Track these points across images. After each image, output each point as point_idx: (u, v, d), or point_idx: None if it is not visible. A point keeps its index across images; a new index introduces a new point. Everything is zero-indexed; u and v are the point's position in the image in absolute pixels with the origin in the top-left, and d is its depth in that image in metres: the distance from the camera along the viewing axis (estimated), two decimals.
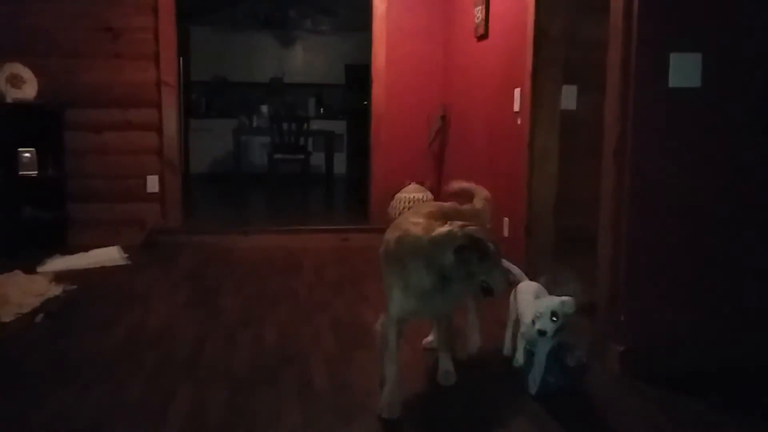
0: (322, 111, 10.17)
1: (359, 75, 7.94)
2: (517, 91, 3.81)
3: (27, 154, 4.65)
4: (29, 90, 4.74)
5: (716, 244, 2.65)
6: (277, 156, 8.04)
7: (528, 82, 3.63)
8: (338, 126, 9.66)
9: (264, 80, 10.23)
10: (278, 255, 4.87)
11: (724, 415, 2.34)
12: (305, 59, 10.39)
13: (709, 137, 2.62)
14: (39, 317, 3.21)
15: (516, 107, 3.82)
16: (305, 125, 8.19)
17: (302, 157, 8.17)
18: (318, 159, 9.01)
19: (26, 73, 4.74)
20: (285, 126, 8.00)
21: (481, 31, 4.43)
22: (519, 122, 3.78)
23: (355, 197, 7.01)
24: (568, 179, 3.64)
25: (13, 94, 4.63)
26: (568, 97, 3.62)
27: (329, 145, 9.04)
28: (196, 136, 9.27)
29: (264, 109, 9.54)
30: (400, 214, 5.19)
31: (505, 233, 3.99)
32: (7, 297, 3.32)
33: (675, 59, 2.55)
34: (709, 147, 2.62)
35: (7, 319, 3.17)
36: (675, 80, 2.57)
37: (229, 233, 5.23)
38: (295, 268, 4.47)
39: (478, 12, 4.47)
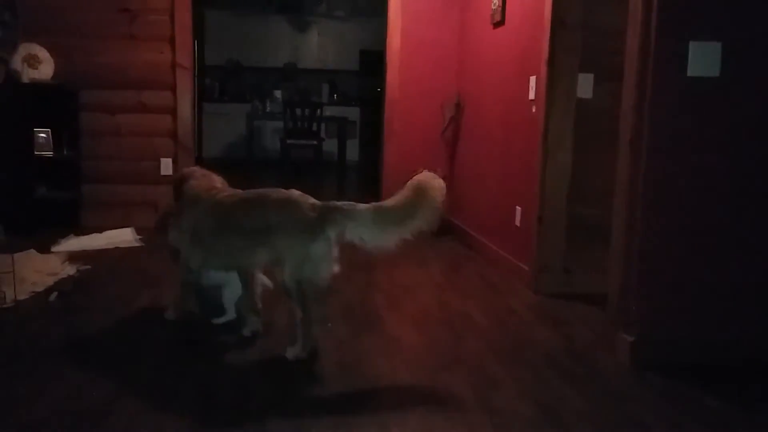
0: (335, 97, 10.15)
1: (374, 61, 7.91)
2: (532, 79, 3.78)
3: (43, 135, 4.68)
4: (46, 70, 4.77)
5: (731, 235, 2.63)
6: (290, 141, 8.04)
7: (544, 70, 3.60)
8: (351, 112, 9.65)
9: (278, 65, 10.23)
10: None
11: (734, 407, 2.33)
12: (319, 44, 10.37)
13: (726, 127, 2.59)
14: (53, 296, 3.25)
15: (531, 95, 3.80)
16: (318, 111, 8.18)
17: (315, 143, 8.16)
18: (331, 145, 9.01)
19: (43, 53, 4.76)
20: (298, 111, 8.00)
21: (497, 17, 4.39)
22: (534, 110, 3.75)
23: (368, 184, 7.00)
24: (582, 168, 3.62)
25: (29, 74, 4.65)
26: (585, 86, 3.59)
27: (342, 132, 9.02)
28: (210, 120, 9.29)
29: (277, 94, 9.54)
30: None
31: (517, 222, 3.98)
32: (22, 276, 3.35)
33: (694, 48, 2.52)
34: (727, 137, 2.59)
35: (21, 297, 3.21)
36: (694, 69, 2.54)
37: None
38: None
39: None
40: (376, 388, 2.41)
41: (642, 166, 2.59)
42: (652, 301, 2.63)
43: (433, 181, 2.47)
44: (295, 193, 2.67)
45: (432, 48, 5.41)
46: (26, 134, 4.59)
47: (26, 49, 4.70)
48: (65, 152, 4.79)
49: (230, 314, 2.99)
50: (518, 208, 3.98)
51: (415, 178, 2.50)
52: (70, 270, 3.70)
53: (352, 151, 9.59)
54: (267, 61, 10.16)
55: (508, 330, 3.08)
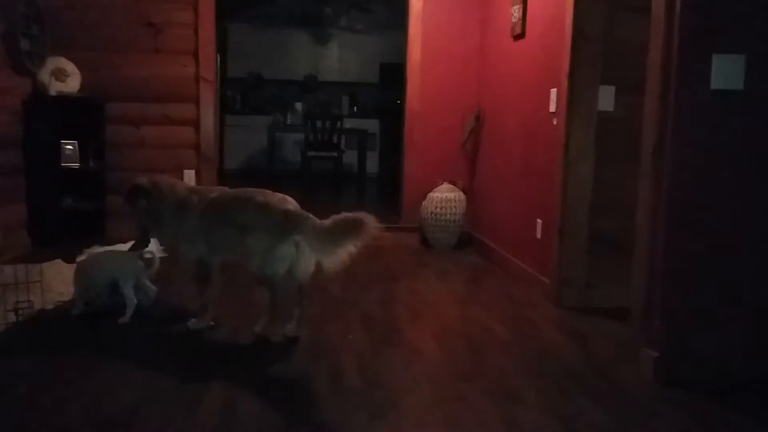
0: (355, 109, 10.21)
1: (393, 74, 7.95)
2: (553, 92, 3.78)
3: (69, 147, 4.77)
4: (73, 83, 4.86)
5: (756, 249, 2.60)
6: (311, 153, 8.10)
7: (565, 82, 3.59)
8: (371, 125, 9.69)
9: (298, 78, 10.32)
10: None
11: (759, 424, 2.29)
12: (340, 57, 10.45)
13: (750, 141, 2.57)
14: (77, 309, 3.26)
15: (552, 107, 3.79)
16: (339, 123, 8.23)
17: (335, 155, 8.21)
18: (350, 157, 9.05)
19: (70, 66, 4.86)
20: (319, 124, 8.05)
21: (517, 30, 4.41)
22: (555, 123, 3.75)
23: (387, 196, 7.02)
24: (604, 181, 3.60)
25: (57, 87, 4.74)
26: (606, 98, 3.57)
27: (362, 144, 9.07)
28: (231, 132, 9.39)
29: (298, 106, 9.62)
30: (432, 213, 5.20)
31: (538, 235, 3.96)
32: (49, 285, 3.41)
33: (718, 61, 2.51)
34: (750, 151, 2.57)
35: (48, 306, 3.26)
36: (717, 82, 2.52)
37: None
38: None
39: (515, 11, 4.44)
40: (397, 400, 2.41)
41: (665, 179, 2.58)
42: (676, 316, 2.60)
43: (368, 220, 2.74)
44: (276, 197, 2.96)
45: (452, 60, 5.44)
46: (53, 146, 4.68)
47: (54, 62, 4.80)
48: (91, 164, 4.87)
49: (132, 304, 3.16)
50: (539, 220, 3.96)
51: (356, 213, 2.75)
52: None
53: (372, 162, 9.62)
54: (288, 74, 10.25)
55: (530, 343, 3.07)
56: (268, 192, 3.00)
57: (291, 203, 2.96)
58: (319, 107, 9.69)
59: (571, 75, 3.55)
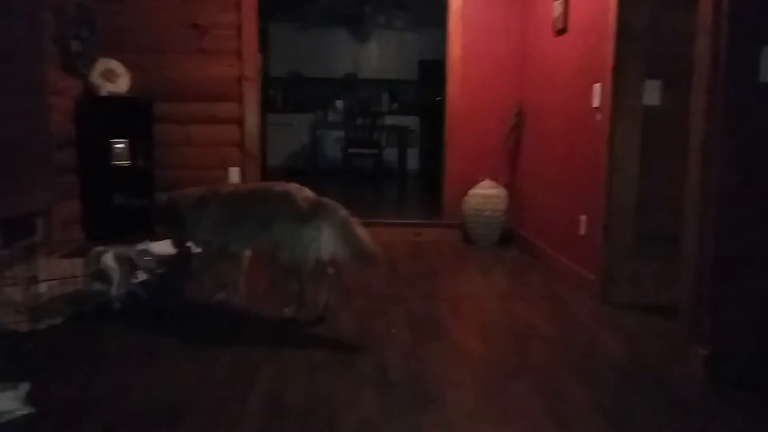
0: (395, 106, 10.23)
1: (433, 70, 7.95)
2: (597, 86, 3.74)
3: (120, 145, 4.91)
4: (122, 84, 5.00)
5: None
6: (351, 150, 8.15)
7: (609, 77, 3.55)
8: (411, 121, 9.69)
9: (339, 76, 10.38)
10: None
11: None
12: (379, 55, 10.47)
13: None
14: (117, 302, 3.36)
15: (596, 103, 3.75)
16: (379, 120, 8.26)
17: (375, 151, 8.24)
18: (391, 154, 9.08)
19: (119, 68, 5.00)
20: (359, 121, 8.10)
21: (560, 25, 4.37)
22: (599, 118, 3.71)
23: (428, 193, 7.03)
24: (650, 176, 3.55)
25: (107, 88, 4.89)
26: (652, 93, 3.52)
27: (402, 141, 9.08)
28: (273, 130, 9.51)
29: (339, 104, 9.69)
30: (473, 210, 5.19)
31: (582, 231, 3.93)
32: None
33: (767, 53, 2.45)
34: None
35: (102, 299, 3.37)
36: (766, 75, 2.47)
37: None
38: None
39: (557, 6, 4.41)
40: (443, 396, 2.43)
41: (713, 174, 2.53)
42: (726, 314, 2.56)
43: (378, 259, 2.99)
44: (293, 186, 3.15)
45: (492, 56, 5.41)
46: (104, 145, 4.83)
47: (104, 64, 4.94)
48: (140, 162, 5.01)
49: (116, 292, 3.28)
50: (583, 217, 3.93)
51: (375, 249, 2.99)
52: (144, 275, 3.85)
53: (412, 159, 9.63)
54: (328, 72, 10.33)
55: (575, 340, 3.05)
56: (284, 182, 3.21)
57: (307, 191, 3.13)
58: (360, 105, 9.74)
59: (616, 69, 3.51)
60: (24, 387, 2.31)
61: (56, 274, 3.25)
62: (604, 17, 3.64)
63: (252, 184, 3.38)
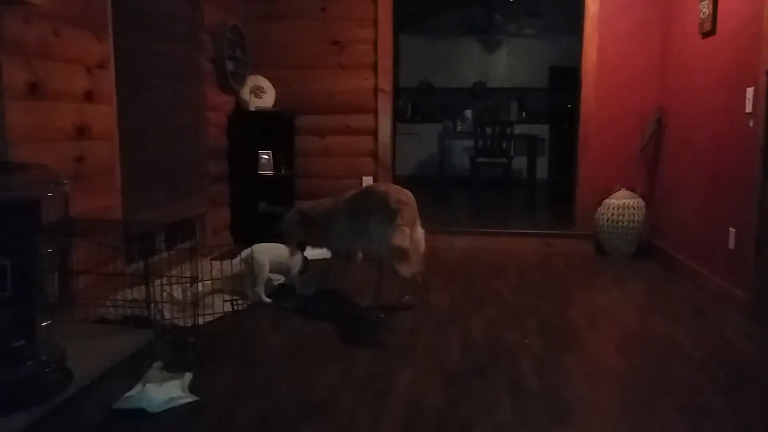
0: (524, 115, 10.11)
1: (564, 77, 7.78)
2: (749, 91, 3.52)
3: (265, 156, 5.28)
4: (268, 99, 5.38)
5: None
6: (480, 159, 8.15)
7: (764, 81, 3.34)
8: (541, 130, 9.53)
9: (467, 85, 10.42)
10: (481, 256, 4.99)
11: None
12: (508, 63, 10.40)
13: None
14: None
15: (748, 108, 3.54)
16: (508, 129, 8.21)
17: (504, 161, 8.17)
18: (520, 163, 8.97)
19: (266, 84, 5.38)
20: (488, 130, 8.09)
21: (707, 26, 4.15)
22: (751, 124, 3.49)
23: (558, 202, 6.89)
24: None
25: (255, 103, 5.28)
26: None
27: (531, 150, 8.93)
28: (402, 140, 9.72)
29: (467, 113, 9.72)
30: (608, 220, 5.04)
31: (731, 245, 3.70)
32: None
33: None
34: None
35: (250, 301, 3.65)
36: None
37: (434, 233, 5.42)
38: (499, 270, 4.55)
39: (704, 7, 4.19)
40: (580, 409, 2.41)
41: None
42: None
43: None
44: (392, 188, 3.40)
45: (630, 62, 5.23)
46: (252, 156, 5.21)
47: (253, 80, 5.34)
48: (282, 171, 5.35)
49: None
50: (732, 229, 3.71)
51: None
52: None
53: (542, 168, 9.45)
54: (457, 82, 10.40)
55: (722, 359, 2.89)
56: (390, 184, 3.58)
57: (405, 194, 3.34)
58: (488, 114, 9.71)
59: None
60: (188, 377, 2.57)
61: (212, 275, 3.56)
62: (757, 17, 3.43)
63: (364, 186, 3.73)
